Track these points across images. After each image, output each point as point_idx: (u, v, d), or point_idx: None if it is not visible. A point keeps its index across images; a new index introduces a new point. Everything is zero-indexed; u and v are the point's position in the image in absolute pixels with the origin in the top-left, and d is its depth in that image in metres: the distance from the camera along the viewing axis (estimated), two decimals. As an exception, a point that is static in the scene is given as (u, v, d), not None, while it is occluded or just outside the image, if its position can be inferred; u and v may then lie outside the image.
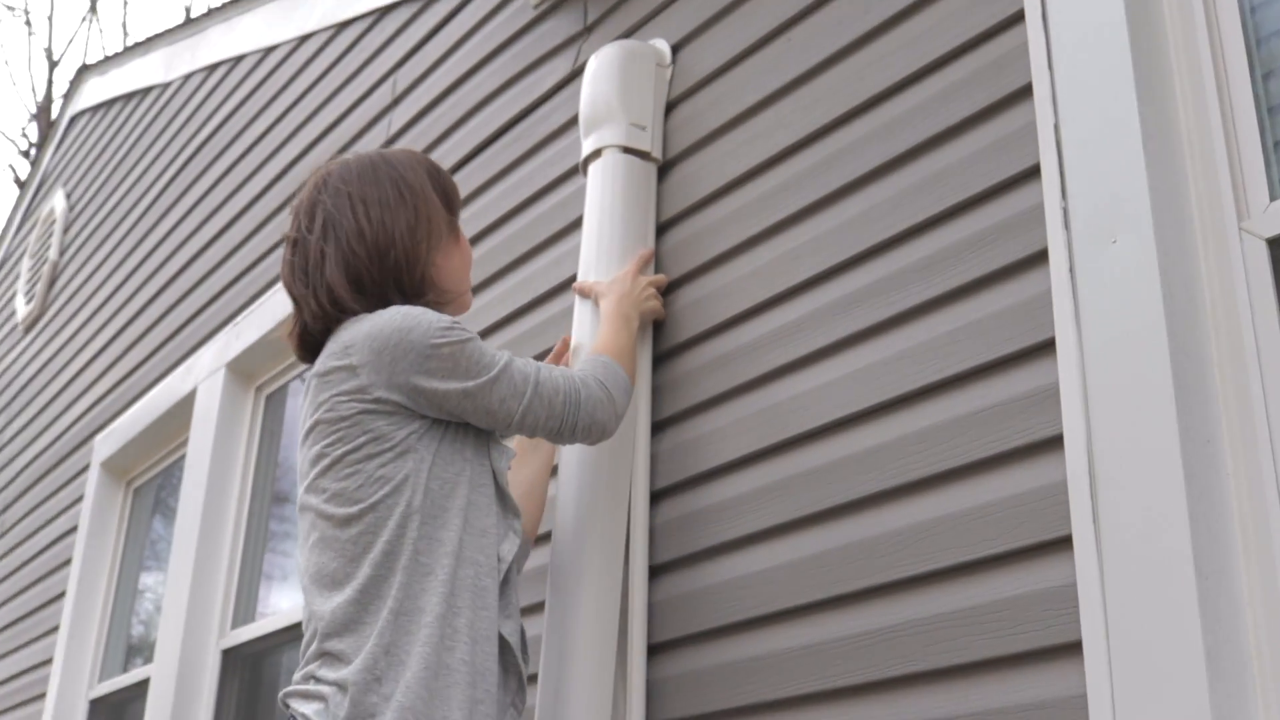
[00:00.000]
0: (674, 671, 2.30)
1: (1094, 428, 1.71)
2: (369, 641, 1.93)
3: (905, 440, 2.01)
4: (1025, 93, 1.96)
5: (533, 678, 2.39)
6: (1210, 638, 1.53)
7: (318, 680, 1.95)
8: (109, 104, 6.60)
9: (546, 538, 2.54)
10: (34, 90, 20.01)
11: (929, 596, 1.91)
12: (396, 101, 3.85)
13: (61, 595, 5.46)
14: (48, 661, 5.40)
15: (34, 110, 18.46)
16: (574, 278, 2.65)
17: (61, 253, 6.70)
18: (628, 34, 2.88)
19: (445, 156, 3.48)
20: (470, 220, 3.27)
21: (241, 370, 4.45)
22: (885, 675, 1.93)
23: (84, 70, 6.95)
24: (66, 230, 6.72)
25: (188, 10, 18.74)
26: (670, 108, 2.71)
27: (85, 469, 5.61)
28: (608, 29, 2.96)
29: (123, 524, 5.45)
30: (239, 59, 5.16)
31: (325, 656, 1.96)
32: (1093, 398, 1.73)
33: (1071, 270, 1.80)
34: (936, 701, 1.85)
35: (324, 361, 2.07)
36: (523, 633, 2.11)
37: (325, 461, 2.03)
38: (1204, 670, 1.52)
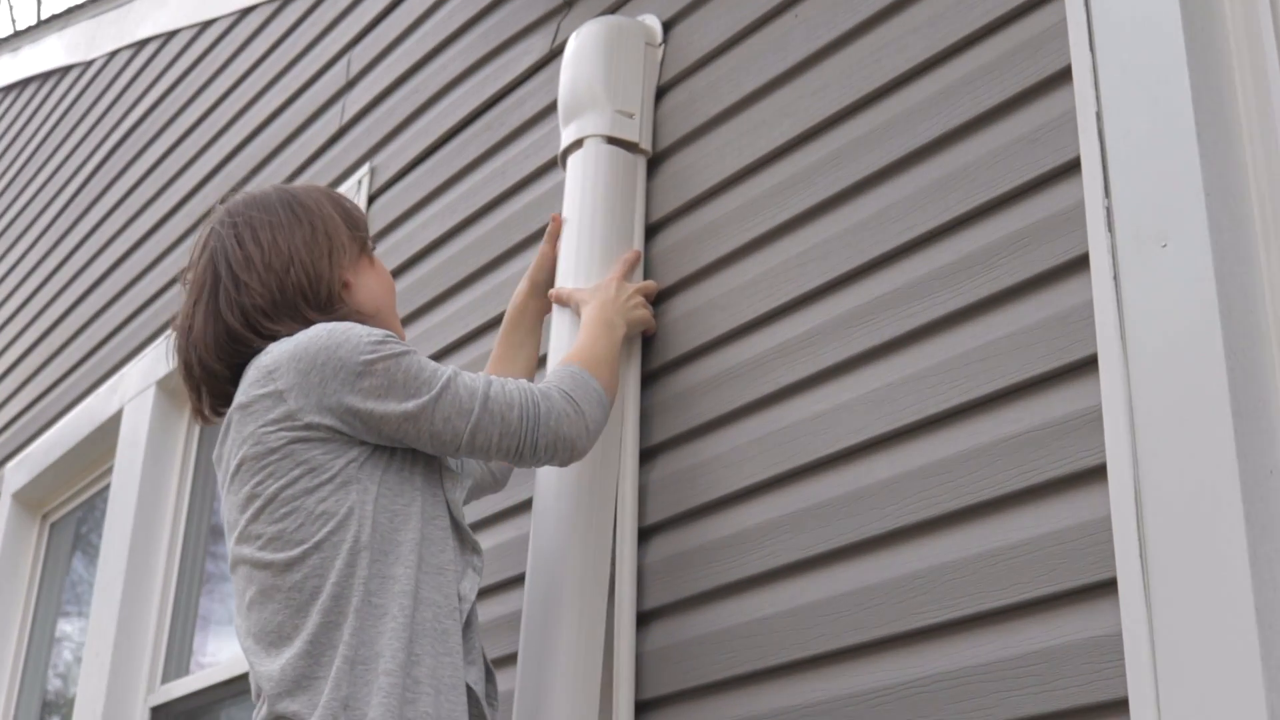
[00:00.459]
0: (665, 733, 2.30)
1: (1141, 456, 1.72)
2: (323, 695, 1.93)
3: (927, 470, 2.01)
4: (1063, 77, 1.97)
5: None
6: (1275, 696, 1.53)
7: (273, 748, 1.96)
8: (21, 85, 6.59)
9: (518, 580, 2.54)
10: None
11: (955, 647, 1.91)
12: (351, 84, 3.85)
13: (-33, 645, 5.44)
14: (-49, 720, 5.39)
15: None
16: (551, 284, 2.65)
17: (-33, 255, 6.69)
18: (613, 9, 2.89)
19: (406, 147, 3.49)
20: (434, 220, 3.27)
21: (175, 389, 4.44)
22: (905, 737, 1.93)
23: (-5, 47, 6.95)
24: (-27, 229, 6.72)
25: (113, -21, 18.71)
26: (661, 93, 2.71)
27: (-5, 501, 5.60)
28: (590, 3, 2.97)
29: (37, 564, 5.43)
30: (171, 34, 5.16)
31: (278, 720, 1.97)
32: (1140, 422, 1.73)
33: (1116, 278, 1.80)
34: (964, 767, 1.86)
35: (245, 391, 2.08)
36: (488, 678, 2.12)
37: (257, 503, 2.03)
38: (1267, 732, 1.52)
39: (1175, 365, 1.71)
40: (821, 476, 2.17)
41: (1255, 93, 1.80)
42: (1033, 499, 1.86)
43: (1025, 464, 1.88)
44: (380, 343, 2.04)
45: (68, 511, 5.35)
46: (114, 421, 4.71)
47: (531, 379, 2.49)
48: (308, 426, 2.02)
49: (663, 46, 2.73)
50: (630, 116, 2.65)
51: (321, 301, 2.17)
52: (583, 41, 2.71)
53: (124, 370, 4.73)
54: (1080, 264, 1.87)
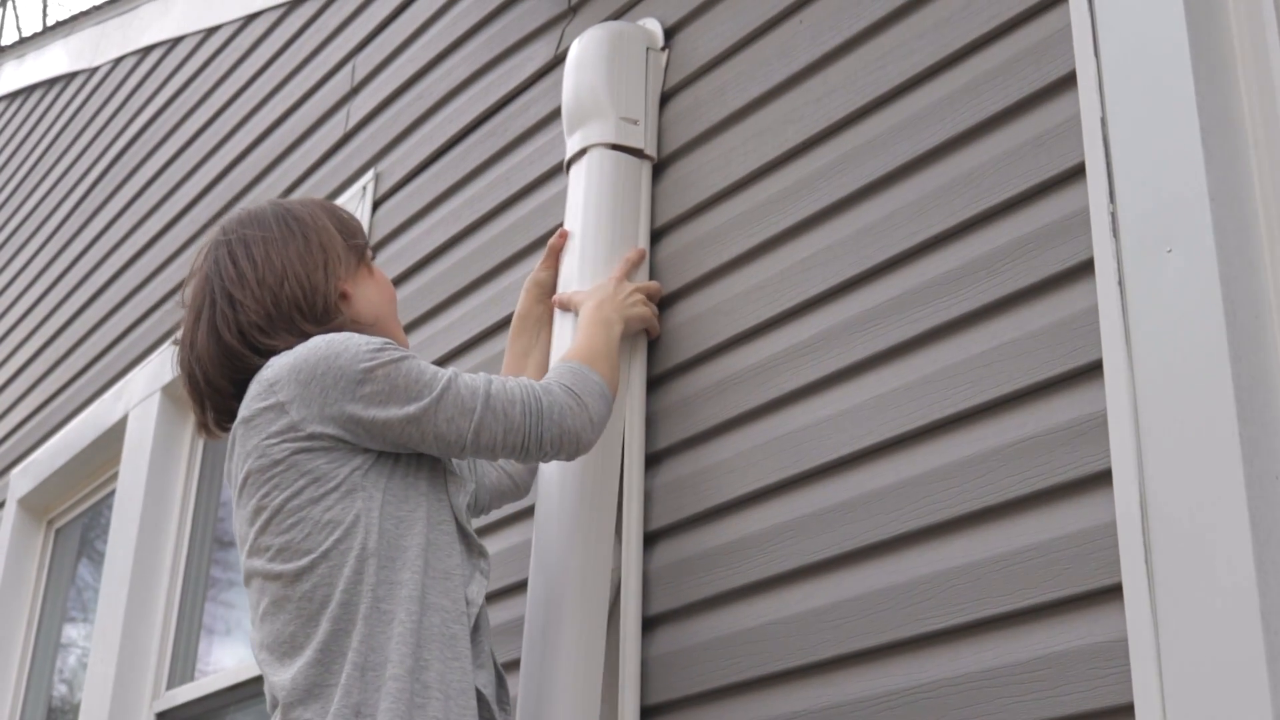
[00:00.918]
0: (670, 738, 2.30)
1: (1146, 462, 1.71)
2: (334, 703, 1.93)
3: (932, 476, 2.01)
4: (1068, 82, 1.97)
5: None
6: (1280, 701, 1.53)
7: (286, 756, 1.96)
8: (26, 92, 6.59)
9: (521, 586, 2.54)
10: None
11: (960, 653, 1.90)
12: (355, 90, 3.85)
13: (-28, 650, 5.44)
14: (-44, 726, 5.39)
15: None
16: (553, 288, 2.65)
17: (-28, 262, 6.70)
18: (617, 15, 2.89)
19: (411, 153, 3.49)
20: (439, 226, 3.27)
21: (179, 395, 4.42)
22: (911, 743, 1.93)
23: (-1, 54, 6.96)
24: (-21, 236, 6.73)
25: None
26: (665, 99, 2.71)
27: (0, 507, 5.60)
28: (594, 9, 2.97)
29: (43, 569, 5.44)
30: (176, 41, 5.16)
31: (291, 728, 1.97)
32: (1145, 427, 1.73)
33: (1121, 283, 1.80)
34: (969, 773, 1.85)
35: (248, 405, 2.08)
36: (499, 681, 2.13)
37: (265, 515, 2.04)
38: (1273, 738, 1.52)
39: (1180, 371, 1.71)
40: (826, 482, 2.17)
41: (1260, 98, 1.80)
42: (1038, 505, 1.86)
43: (1030, 469, 1.87)
44: (379, 349, 2.04)
45: (73, 517, 5.35)
46: (119, 427, 4.71)
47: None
48: (311, 437, 2.02)
49: (667, 52, 2.73)
50: (635, 123, 2.65)
51: (318, 314, 2.17)
52: (585, 48, 2.71)
53: (129, 376, 4.73)
54: (1085, 269, 1.87)
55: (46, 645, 5.30)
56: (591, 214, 2.57)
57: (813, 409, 2.22)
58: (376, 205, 3.58)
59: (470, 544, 2.12)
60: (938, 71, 2.18)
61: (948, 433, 2.01)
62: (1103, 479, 1.78)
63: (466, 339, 3.05)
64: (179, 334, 2.24)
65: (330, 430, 2.02)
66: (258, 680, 3.55)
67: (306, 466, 2.02)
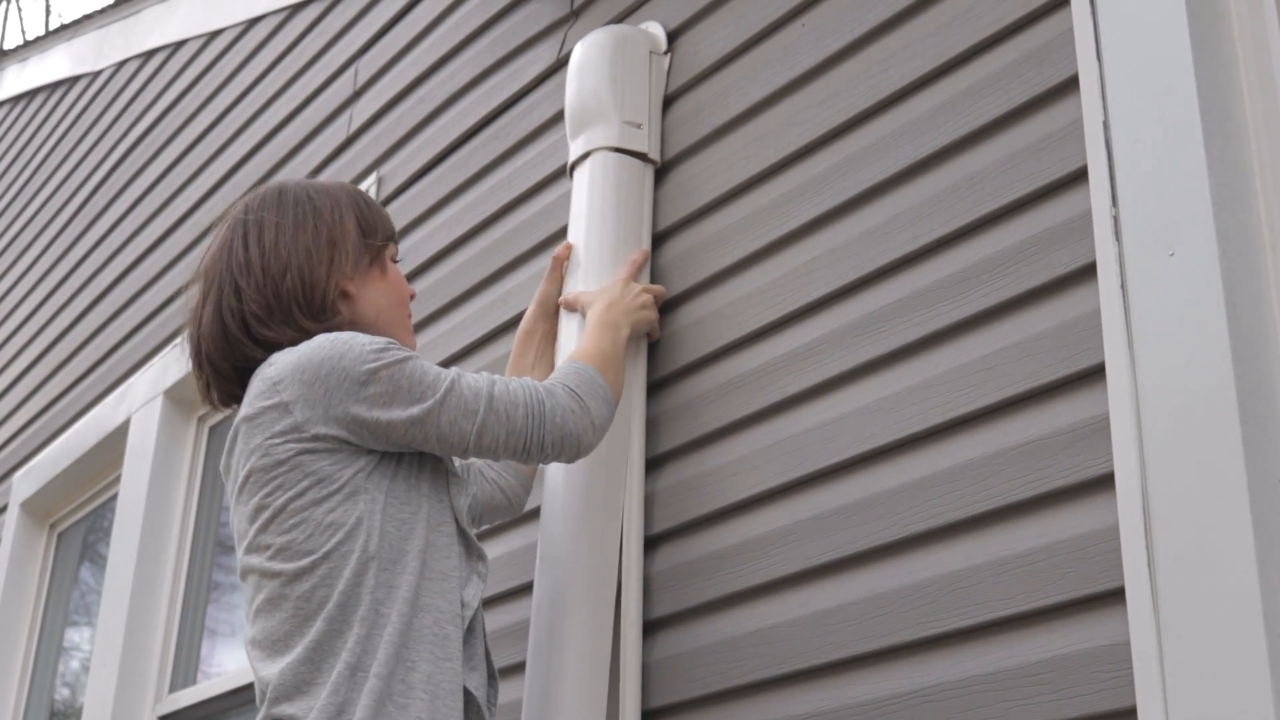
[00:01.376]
0: (673, 742, 2.30)
1: (1149, 465, 1.71)
2: (320, 700, 1.93)
3: (934, 479, 2.01)
4: (1071, 85, 1.97)
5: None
6: (1282, 705, 1.53)
7: (266, 751, 1.96)
8: (29, 95, 6.60)
9: (526, 589, 2.54)
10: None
11: (962, 656, 1.90)
12: (358, 94, 3.86)
13: (-25, 654, 5.44)
14: (-41, 730, 5.39)
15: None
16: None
17: (-24, 265, 6.70)
18: (619, 18, 2.89)
19: (414, 156, 3.49)
20: (442, 229, 3.27)
21: (181, 398, 4.45)
22: (913, 746, 1.93)
23: (1, 57, 6.95)
24: (-18, 239, 6.73)
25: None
26: (668, 103, 2.72)
27: (2, 510, 5.60)
28: (596, 13, 2.97)
29: (45, 573, 5.44)
30: (179, 45, 5.17)
31: (274, 724, 1.97)
32: (1147, 431, 1.73)
33: (1123, 286, 1.80)
34: (971, 776, 1.85)
35: (251, 403, 2.08)
36: (492, 684, 2.12)
37: (266, 514, 2.04)
38: (1275, 741, 1.52)
39: (1182, 374, 1.71)
40: (828, 485, 2.17)
41: (1262, 101, 1.80)
42: (1040, 508, 1.86)
43: (1032, 473, 1.87)
44: (382, 350, 2.04)
45: (75, 521, 5.35)
46: (121, 431, 4.71)
47: None
48: (315, 438, 2.02)
49: (669, 56, 2.73)
50: (638, 127, 2.66)
51: (315, 310, 2.16)
52: (587, 52, 2.71)
53: (131, 380, 4.73)
54: (1088, 273, 1.87)
55: (49, 649, 5.31)
56: (595, 218, 2.58)
57: (815, 412, 2.22)
58: (379, 209, 3.58)
59: (469, 547, 2.12)
60: (940, 75, 2.18)
61: (950, 436, 2.01)
62: (1105, 482, 1.78)
63: (470, 342, 3.05)
64: (192, 303, 2.24)
65: (334, 431, 2.02)
66: (260, 684, 3.55)
67: (310, 468, 2.02)
